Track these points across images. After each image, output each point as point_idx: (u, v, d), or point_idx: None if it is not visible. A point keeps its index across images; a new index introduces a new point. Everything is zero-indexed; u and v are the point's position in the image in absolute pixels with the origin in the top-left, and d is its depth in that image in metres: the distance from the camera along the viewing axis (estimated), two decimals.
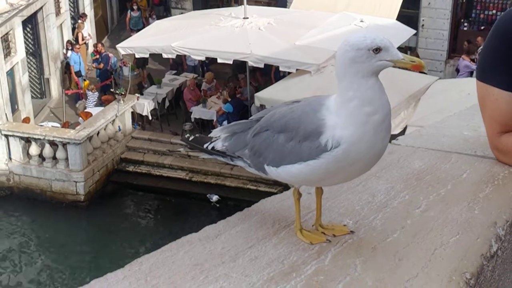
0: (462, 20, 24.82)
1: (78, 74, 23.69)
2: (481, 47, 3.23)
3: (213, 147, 2.54)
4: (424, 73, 20.58)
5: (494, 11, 24.23)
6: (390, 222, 2.51)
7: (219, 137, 2.54)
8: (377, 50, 2.18)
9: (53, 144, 19.24)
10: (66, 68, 24.20)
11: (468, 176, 3.03)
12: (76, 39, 25.29)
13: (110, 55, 23.73)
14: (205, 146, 2.56)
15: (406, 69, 2.32)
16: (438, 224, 2.51)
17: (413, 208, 2.65)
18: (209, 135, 2.60)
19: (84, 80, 23.52)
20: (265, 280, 2.08)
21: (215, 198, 19.01)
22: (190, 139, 2.63)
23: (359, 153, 2.20)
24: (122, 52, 20.71)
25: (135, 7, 26.78)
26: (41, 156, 19.44)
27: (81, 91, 23.18)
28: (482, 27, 24.26)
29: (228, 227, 2.43)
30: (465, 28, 24.75)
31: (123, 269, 2.10)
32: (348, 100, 2.20)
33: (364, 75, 2.19)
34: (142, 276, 2.06)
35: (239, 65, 21.29)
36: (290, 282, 2.08)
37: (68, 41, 24.65)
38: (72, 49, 23.83)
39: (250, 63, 19.33)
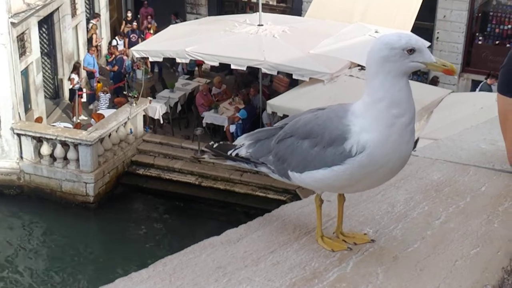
0: (477, 34, 24.76)
1: (91, 75, 23.78)
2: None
3: (237, 154, 2.57)
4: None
5: (509, 26, 24.16)
6: (410, 232, 2.52)
7: (243, 144, 2.56)
8: (411, 51, 2.20)
9: (64, 144, 19.30)
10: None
11: (487, 189, 3.04)
12: (89, 40, 25.38)
13: (125, 57, 23.84)
14: (229, 153, 2.59)
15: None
16: (459, 236, 2.52)
17: (433, 219, 2.66)
18: (233, 143, 2.63)
19: (98, 82, 23.61)
20: (287, 285, 2.10)
21: None
22: (215, 146, 2.66)
23: (384, 156, 2.21)
24: (136, 55, 20.80)
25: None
26: (52, 156, 19.50)
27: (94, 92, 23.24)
28: (497, 42, 24.20)
29: (250, 232, 2.45)
30: (479, 42, 24.69)
31: (147, 269, 2.12)
32: (377, 100, 2.21)
33: (396, 75, 2.20)
34: (166, 277, 2.08)
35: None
36: None
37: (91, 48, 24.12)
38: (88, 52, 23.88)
39: (264, 70, 19.37)
